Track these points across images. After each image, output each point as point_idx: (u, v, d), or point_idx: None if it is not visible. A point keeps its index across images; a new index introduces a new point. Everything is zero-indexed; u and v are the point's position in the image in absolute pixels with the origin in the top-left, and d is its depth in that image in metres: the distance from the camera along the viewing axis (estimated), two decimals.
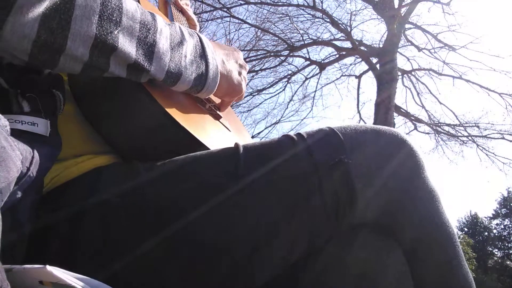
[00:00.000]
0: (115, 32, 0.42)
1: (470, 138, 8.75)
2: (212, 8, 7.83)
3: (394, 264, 0.52)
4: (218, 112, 0.68)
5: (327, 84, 9.57)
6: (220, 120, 0.69)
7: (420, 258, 0.51)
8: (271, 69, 9.01)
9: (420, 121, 9.01)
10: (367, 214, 0.51)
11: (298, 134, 0.54)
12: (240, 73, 0.64)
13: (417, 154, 0.54)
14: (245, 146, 0.54)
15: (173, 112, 0.53)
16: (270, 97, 9.49)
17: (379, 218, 0.52)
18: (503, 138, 8.49)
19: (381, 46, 7.96)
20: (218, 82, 0.57)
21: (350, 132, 0.53)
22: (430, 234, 0.52)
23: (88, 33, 0.40)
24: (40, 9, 0.36)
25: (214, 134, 0.63)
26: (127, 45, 0.44)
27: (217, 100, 0.71)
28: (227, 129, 0.71)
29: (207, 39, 0.58)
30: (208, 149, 0.56)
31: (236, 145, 0.54)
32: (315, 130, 0.55)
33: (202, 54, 0.55)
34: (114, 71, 0.45)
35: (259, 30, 8.43)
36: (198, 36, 0.56)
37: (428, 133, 9.25)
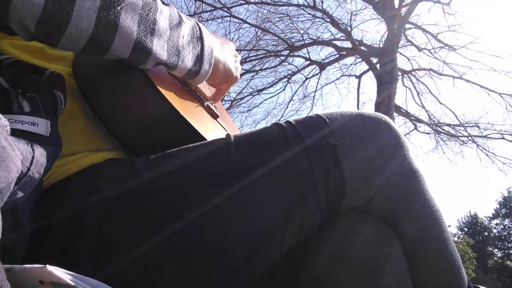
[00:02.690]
0: (118, 8, 0.44)
1: (470, 138, 8.75)
2: (212, 8, 7.83)
3: (395, 251, 0.52)
4: (215, 111, 0.68)
5: (327, 84, 9.57)
6: (218, 119, 0.70)
7: (408, 237, 0.53)
8: (271, 69, 9.02)
9: (420, 121, 9.01)
10: (357, 197, 0.52)
11: (287, 122, 0.55)
12: (235, 61, 0.66)
13: (400, 136, 0.55)
14: (236, 136, 0.55)
15: (180, 109, 0.54)
16: (270, 97, 9.49)
17: (371, 200, 0.53)
18: (503, 138, 8.49)
19: (381, 46, 7.96)
20: (213, 65, 0.59)
21: (336, 117, 0.55)
22: (417, 214, 0.53)
23: (92, 6, 0.42)
24: None
25: (214, 131, 0.65)
26: (129, 21, 0.45)
27: (211, 93, 0.72)
28: (224, 128, 0.72)
29: (203, 26, 0.59)
30: None
31: (227, 135, 0.55)
32: (303, 117, 0.57)
33: (199, 37, 0.56)
34: (116, 49, 0.46)
35: (259, 30, 8.43)
36: (196, 21, 0.58)
37: (428, 133, 9.26)
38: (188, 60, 0.54)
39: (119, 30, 0.45)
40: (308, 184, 0.50)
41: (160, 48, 0.49)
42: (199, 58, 0.56)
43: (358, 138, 0.53)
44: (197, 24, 0.57)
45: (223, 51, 0.63)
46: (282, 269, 0.54)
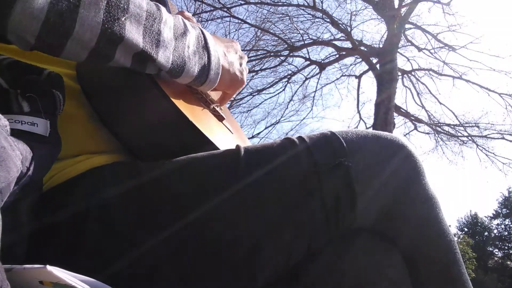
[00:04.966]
0: (122, 19, 0.43)
1: (470, 138, 8.77)
2: (212, 8, 7.85)
3: (393, 269, 0.52)
4: (221, 113, 0.68)
5: (327, 84, 9.58)
6: (223, 122, 0.70)
7: (419, 265, 0.51)
8: (271, 69, 9.03)
9: (420, 121, 9.02)
10: (367, 219, 0.51)
11: (299, 137, 0.54)
12: (240, 64, 0.64)
13: (417, 160, 0.54)
14: (247, 148, 0.54)
15: (186, 111, 0.54)
16: (270, 97, 9.51)
17: (379, 223, 0.52)
18: (503, 138, 8.51)
19: (381, 46, 7.97)
20: (220, 74, 0.57)
21: (351, 136, 0.53)
22: (430, 241, 0.52)
23: (96, 19, 0.40)
24: None
25: (220, 134, 0.64)
26: (134, 33, 0.44)
27: (217, 96, 0.71)
28: (230, 131, 0.71)
29: (208, 32, 0.58)
30: (218, 148, 0.57)
31: (238, 147, 0.54)
32: (316, 133, 0.55)
33: (205, 46, 0.55)
34: (119, 59, 0.45)
35: (259, 30, 8.44)
36: (200, 28, 0.57)
37: (428, 133, 9.27)
38: (193, 71, 0.53)
39: (125, 42, 0.44)
40: (316, 203, 0.49)
41: (165, 60, 0.48)
42: (206, 68, 0.55)
43: (372, 160, 0.51)
44: (201, 32, 0.56)
45: (229, 56, 0.61)
46: (282, 276, 0.53)
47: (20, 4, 0.36)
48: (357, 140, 0.53)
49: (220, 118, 0.69)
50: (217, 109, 0.68)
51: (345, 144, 0.52)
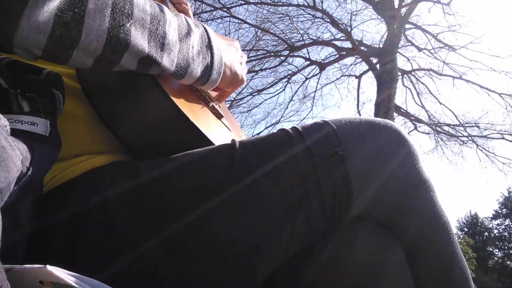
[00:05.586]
0: (127, 25, 0.42)
1: (470, 138, 8.76)
2: (212, 8, 7.84)
3: (396, 258, 0.52)
4: (219, 111, 0.68)
5: (327, 84, 9.57)
6: (222, 119, 0.70)
7: (418, 252, 0.52)
8: (271, 69, 9.02)
9: (420, 121, 9.02)
10: (364, 206, 0.52)
11: (294, 128, 0.54)
12: (241, 63, 0.64)
13: (411, 146, 0.55)
14: (241, 142, 0.54)
15: (185, 110, 0.54)
16: (270, 97, 9.49)
17: (377, 210, 0.52)
18: (503, 138, 8.51)
19: (381, 46, 7.97)
20: (222, 73, 0.57)
21: (344, 124, 0.54)
22: (428, 227, 0.52)
23: (101, 27, 0.40)
24: (54, 3, 0.36)
25: (219, 132, 0.64)
26: (140, 38, 0.44)
27: (214, 93, 0.71)
28: (228, 128, 0.72)
29: (211, 29, 0.58)
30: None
31: (233, 141, 0.54)
32: (310, 123, 0.55)
33: (208, 45, 0.55)
34: (124, 64, 0.45)
35: (259, 30, 8.43)
36: (203, 26, 0.56)
37: (428, 133, 9.27)
38: (196, 72, 0.53)
39: (130, 48, 0.43)
40: (313, 193, 0.49)
41: (169, 63, 0.48)
42: (209, 68, 0.55)
43: (366, 147, 0.52)
44: (205, 30, 0.56)
45: (230, 54, 0.61)
46: (283, 273, 0.53)
47: (26, 18, 0.35)
48: (351, 128, 0.53)
49: (219, 116, 0.69)
50: (216, 106, 0.68)
51: (338, 133, 0.52)
